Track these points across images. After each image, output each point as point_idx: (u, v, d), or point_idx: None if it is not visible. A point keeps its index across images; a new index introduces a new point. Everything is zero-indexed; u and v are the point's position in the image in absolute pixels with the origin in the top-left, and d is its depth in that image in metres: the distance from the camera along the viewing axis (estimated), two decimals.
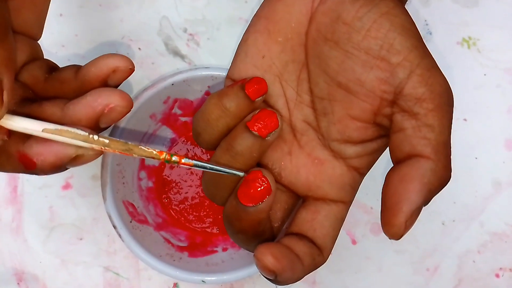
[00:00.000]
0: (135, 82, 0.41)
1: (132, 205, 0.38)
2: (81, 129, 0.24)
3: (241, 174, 0.26)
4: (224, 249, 0.38)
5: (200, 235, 0.40)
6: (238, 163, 0.26)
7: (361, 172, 0.28)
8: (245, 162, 0.26)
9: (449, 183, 0.41)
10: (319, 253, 0.27)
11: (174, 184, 0.41)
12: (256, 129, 0.26)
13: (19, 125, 0.23)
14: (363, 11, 0.25)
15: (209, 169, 0.26)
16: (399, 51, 0.25)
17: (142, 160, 0.40)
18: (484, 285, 0.41)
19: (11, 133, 0.24)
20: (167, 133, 0.41)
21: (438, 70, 0.25)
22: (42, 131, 0.23)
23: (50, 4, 0.41)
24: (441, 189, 0.25)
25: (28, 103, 0.25)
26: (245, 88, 0.27)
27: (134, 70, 0.26)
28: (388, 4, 0.25)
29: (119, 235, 0.35)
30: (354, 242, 0.41)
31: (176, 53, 0.42)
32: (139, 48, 0.42)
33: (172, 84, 0.37)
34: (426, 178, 0.24)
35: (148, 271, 0.39)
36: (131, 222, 0.37)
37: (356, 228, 0.41)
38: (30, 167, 0.24)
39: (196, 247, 0.38)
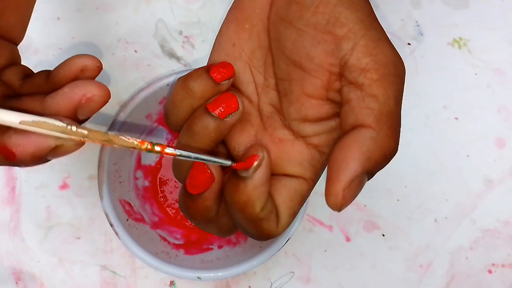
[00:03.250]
0: (131, 84, 0.42)
1: (129, 203, 0.38)
2: (60, 120, 0.23)
3: (228, 163, 0.26)
4: (220, 247, 0.39)
5: (196, 233, 0.40)
6: (196, 143, 0.27)
7: (321, 150, 0.28)
8: (204, 142, 0.27)
9: (441, 180, 0.42)
10: (275, 220, 0.27)
11: (170, 183, 0.41)
12: (214, 111, 0.27)
13: None
14: None
15: (194, 158, 0.25)
16: (344, 24, 0.25)
17: (139, 160, 0.40)
18: (477, 281, 0.41)
19: None
20: (163, 133, 0.41)
21: (386, 42, 0.25)
22: (20, 123, 0.22)
23: (48, 8, 0.42)
24: (386, 160, 0.24)
25: (8, 99, 0.25)
26: (210, 71, 0.27)
27: (102, 68, 0.26)
28: None
29: (116, 233, 0.36)
30: (348, 239, 0.41)
31: (172, 55, 0.43)
32: (135, 51, 0.43)
33: (168, 85, 0.37)
34: (365, 146, 0.23)
35: (145, 269, 0.40)
36: (127, 220, 0.37)
37: (349, 225, 0.41)
38: (10, 158, 0.23)
39: (192, 245, 0.39)
